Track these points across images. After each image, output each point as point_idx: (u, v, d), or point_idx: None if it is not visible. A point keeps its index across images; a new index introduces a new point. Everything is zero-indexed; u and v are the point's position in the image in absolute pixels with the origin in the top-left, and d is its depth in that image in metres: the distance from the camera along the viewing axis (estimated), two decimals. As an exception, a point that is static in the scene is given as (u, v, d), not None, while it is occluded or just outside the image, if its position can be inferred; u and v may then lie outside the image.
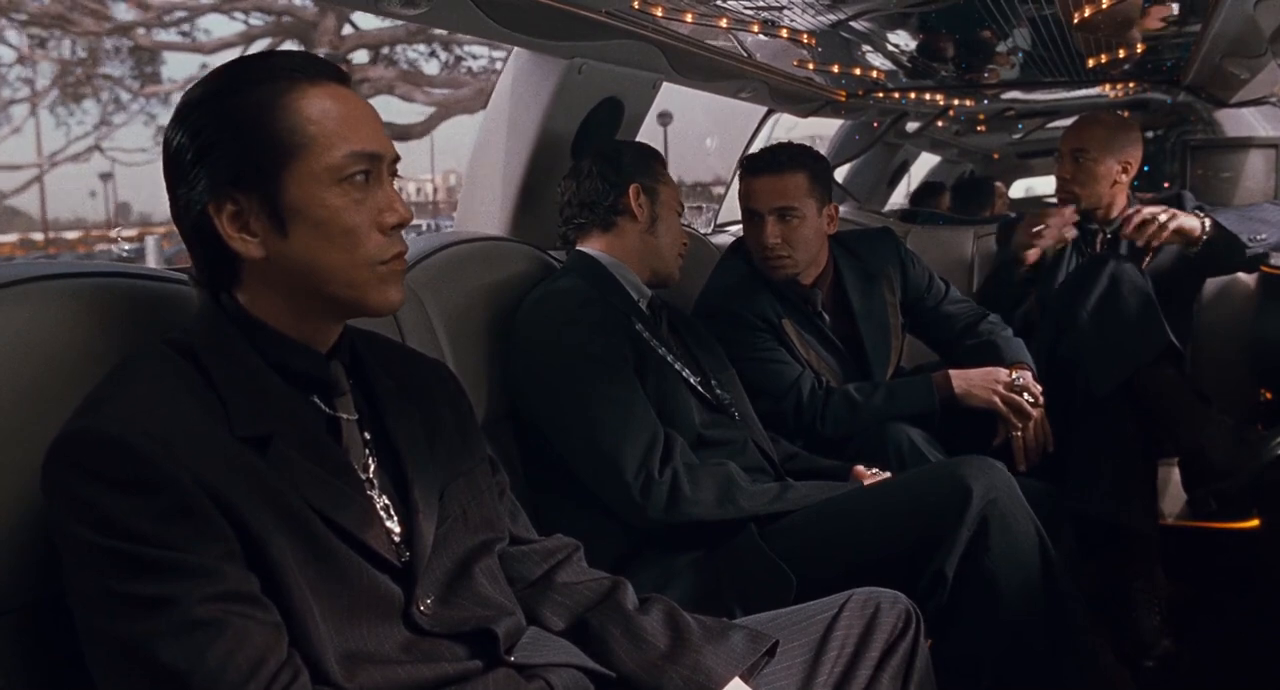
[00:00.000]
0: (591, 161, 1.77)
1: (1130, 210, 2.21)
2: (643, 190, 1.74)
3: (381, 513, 0.95)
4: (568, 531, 1.21)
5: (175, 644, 0.77)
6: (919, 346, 2.35)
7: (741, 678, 1.05)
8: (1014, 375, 1.96)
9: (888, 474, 1.70)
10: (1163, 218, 2.15)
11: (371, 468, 0.97)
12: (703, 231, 2.76)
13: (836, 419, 1.91)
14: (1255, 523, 2.24)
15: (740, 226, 2.11)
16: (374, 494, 0.95)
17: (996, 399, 1.93)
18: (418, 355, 1.13)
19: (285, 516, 0.85)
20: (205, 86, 0.92)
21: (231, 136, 0.89)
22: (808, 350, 2.03)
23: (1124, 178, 2.38)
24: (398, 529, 0.95)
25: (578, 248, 1.75)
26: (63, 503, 0.80)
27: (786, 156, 1.99)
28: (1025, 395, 1.94)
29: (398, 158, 0.96)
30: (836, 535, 1.45)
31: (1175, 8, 2.12)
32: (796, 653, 1.13)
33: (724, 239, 2.76)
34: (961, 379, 1.95)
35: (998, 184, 5.28)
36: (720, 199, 3.60)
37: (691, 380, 1.66)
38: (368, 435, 0.98)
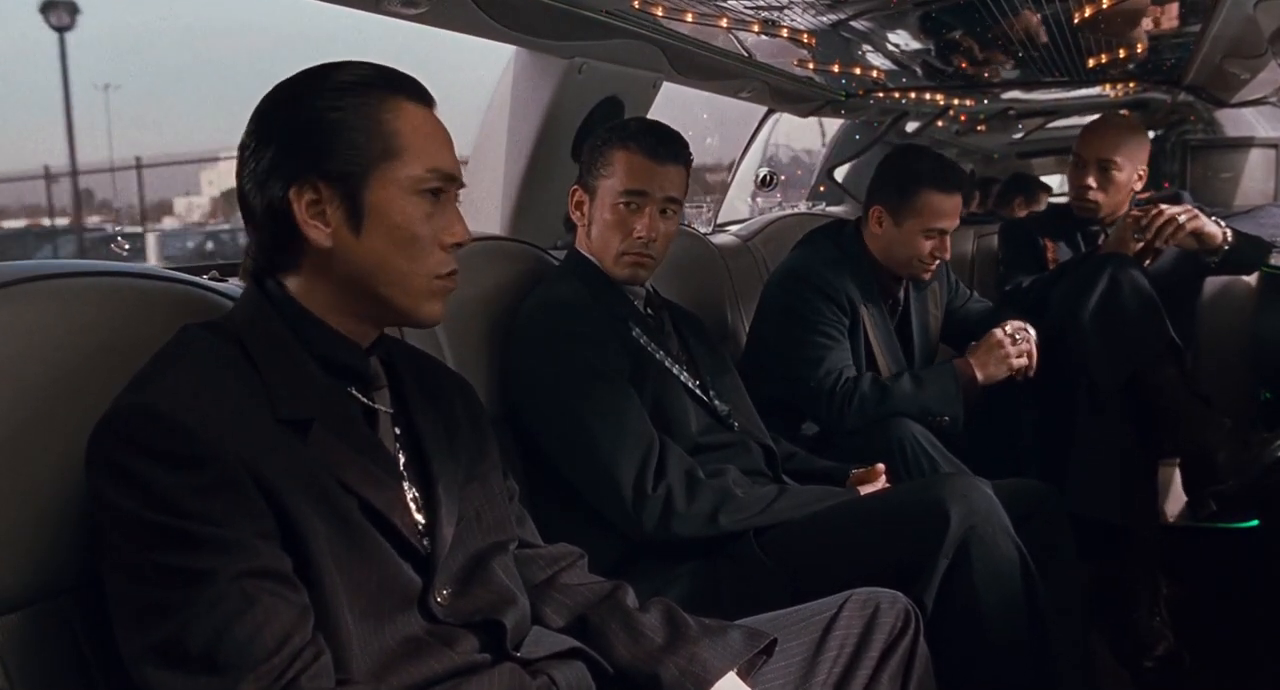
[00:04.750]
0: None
1: (1142, 211, 2.19)
2: (583, 190, 1.65)
3: (411, 503, 0.98)
4: (566, 535, 1.22)
5: (206, 616, 0.80)
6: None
7: (740, 676, 1.06)
8: (1010, 332, 2.04)
9: (884, 479, 1.70)
10: (1182, 218, 2.14)
11: (402, 460, 1.00)
12: (703, 231, 2.75)
13: (864, 399, 1.93)
14: (1255, 523, 2.24)
15: (740, 225, 2.11)
16: (405, 484, 0.98)
17: (1012, 364, 2.02)
18: (436, 362, 1.16)
19: (322, 500, 0.88)
20: (311, 78, 0.97)
21: (331, 129, 0.94)
22: (877, 341, 2.08)
23: (1139, 185, 2.38)
24: (422, 521, 0.98)
25: (575, 245, 1.70)
26: (108, 476, 0.82)
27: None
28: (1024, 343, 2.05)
29: (464, 184, 1.03)
30: (830, 547, 1.45)
31: (1175, 8, 2.12)
32: (795, 652, 1.13)
33: (724, 239, 2.76)
34: (978, 366, 2.01)
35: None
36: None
37: (690, 385, 1.64)
38: (398, 430, 1.02)
